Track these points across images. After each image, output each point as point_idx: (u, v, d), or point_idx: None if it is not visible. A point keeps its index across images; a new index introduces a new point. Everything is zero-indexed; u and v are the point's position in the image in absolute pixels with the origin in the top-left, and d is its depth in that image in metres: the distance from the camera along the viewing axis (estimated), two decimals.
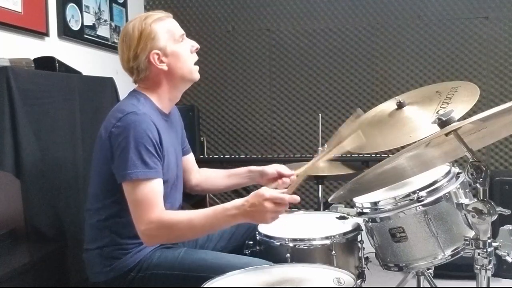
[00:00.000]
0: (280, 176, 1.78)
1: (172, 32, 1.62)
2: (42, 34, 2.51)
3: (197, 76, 1.68)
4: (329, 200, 1.64)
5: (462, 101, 1.75)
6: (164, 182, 1.54)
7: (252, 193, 1.41)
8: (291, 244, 1.59)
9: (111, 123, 1.51)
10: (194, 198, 3.12)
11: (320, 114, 2.69)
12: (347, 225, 1.72)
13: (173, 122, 1.73)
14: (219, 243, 1.80)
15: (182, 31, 1.65)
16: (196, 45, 1.67)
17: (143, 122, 1.48)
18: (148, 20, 1.58)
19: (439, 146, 1.41)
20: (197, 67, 1.67)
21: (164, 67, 1.59)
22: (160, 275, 1.54)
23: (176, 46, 1.61)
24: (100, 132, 1.57)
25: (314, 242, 1.60)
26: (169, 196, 1.61)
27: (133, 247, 1.57)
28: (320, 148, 2.37)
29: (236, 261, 1.51)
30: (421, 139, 1.32)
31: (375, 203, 1.69)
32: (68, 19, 2.72)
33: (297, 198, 1.41)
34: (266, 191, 1.40)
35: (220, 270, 1.39)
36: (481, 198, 1.28)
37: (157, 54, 1.58)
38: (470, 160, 1.27)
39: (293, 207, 3.71)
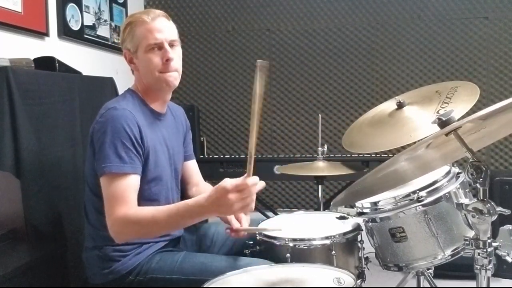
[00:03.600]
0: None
1: (147, 38, 1.54)
2: (42, 34, 2.50)
3: (165, 85, 1.58)
4: (331, 203, 1.63)
5: (462, 101, 1.75)
6: (153, 179, 1.54)
7: (213, 188, 1.32)
8: (291, 244, 1.59)
9: (95, 120, 1.53)
10: None
11: (320, 114, 2.67)
12: (347, 225, 1.72)
13: (169, 122, 1.72)
14: (222, 249, 1.78)
15: (159, 39, 1.54)
16: (166, 56, 1.55)
17: (121, 117, 1.48)
18: (135, 19, 1.58)
19: (439, 147, 1.40)
20: (166, 75, 1.57)
21: (134, 68, 1.62)
22: (159, 279, 1.53)
23: (145, 54, 1.56)
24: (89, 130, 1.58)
25: (314, 242, 1.60)
26: (162, 196, 1.60)
27: (131, 249, 1.56)
28: (319, 148, 2.37)
29: (236, 263, 1.50)
30: (421, 139, 1.32)
31: (375, 203, 1.69)
32: (68, 19, 2.72)
33: (257, 178, 1.30)
34: (227, 182, 1.28)
35: (220, 273, 1.38)
36: (481, 198, 1.28)
37: (129, 53, 1.61)
38: (470, 160, 1.26)
39: (293, 207, 3.73)
